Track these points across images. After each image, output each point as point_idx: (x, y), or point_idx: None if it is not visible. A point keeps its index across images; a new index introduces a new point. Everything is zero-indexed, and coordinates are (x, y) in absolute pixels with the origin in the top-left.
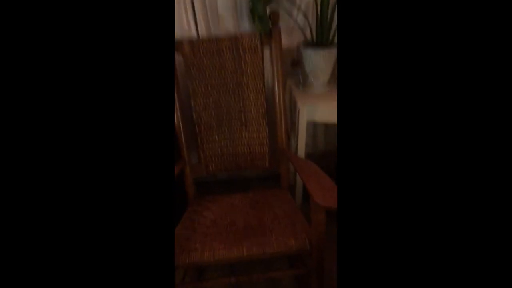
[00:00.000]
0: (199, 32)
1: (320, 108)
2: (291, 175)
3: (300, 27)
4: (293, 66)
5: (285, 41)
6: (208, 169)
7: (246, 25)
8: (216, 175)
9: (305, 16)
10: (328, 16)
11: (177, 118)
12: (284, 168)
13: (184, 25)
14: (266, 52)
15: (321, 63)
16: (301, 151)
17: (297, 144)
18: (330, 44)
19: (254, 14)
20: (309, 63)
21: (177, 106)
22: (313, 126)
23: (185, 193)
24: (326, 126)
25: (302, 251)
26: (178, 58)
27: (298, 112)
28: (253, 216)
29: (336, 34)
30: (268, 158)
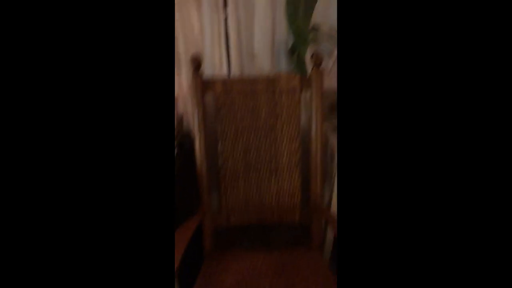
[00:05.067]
0: (231, 71)
1: None
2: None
3: None
4: (332, 110)
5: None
6: (229, 220)
7: (282, 66)
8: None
9: None
10: None
11: (201, 163)
12: (317, 226)
13: (216, 62)
14: (303, 95)
15: None
16: (335, 205)
17: (331, 197)
18: None
19: (294, 54)
20: None
21: (202, 149)
22: None
23: (202, 245)
24: None
25: None
26: (208, 98)
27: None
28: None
29: None
30: (298, 212)
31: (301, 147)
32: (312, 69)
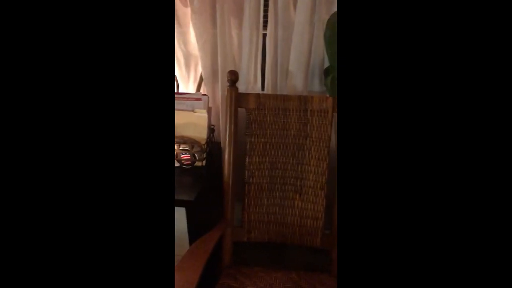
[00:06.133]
0: (264, 87)
1: None
2: None
3: None
4: None
5: None
6: (250, 235)
7: (315, 86)
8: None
9: None
10: None
11: (228, 175)
12: None
13: (250, 78)
14: (334, 117)
15: None
16: None
17: None
18: None
19: (328, 76)
20: None
21: (231, 162)
22: None
23: (220, 258)
24: None
25: None
26: (240, 111)
27: None
28: None
29: None
30: (320, 236)
31: (329, 170)
32: None
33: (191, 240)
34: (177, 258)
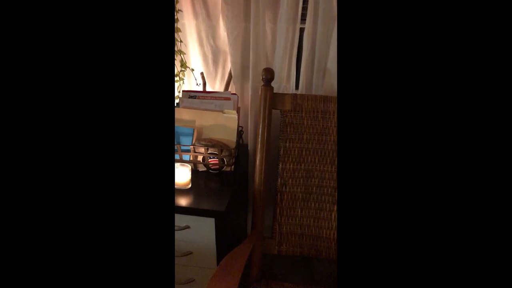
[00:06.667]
0: (299, 85)
1: None
2: None
3: None
4: None
5: None
6: (281, 248)
7: None
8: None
9: None
10: None
11: (260, 184)
12: None
13: (283, 76)
14: None
15: None
16: None
17: None
18: None
19: None
20: None
21: (262, 170)
22: None
23: (248, 271)
24: None
25: None
26: (275, 113)
27: None
28: None
29: None
30: None
31: None
32: None
33: (219, 251)
34: (207, 271)
